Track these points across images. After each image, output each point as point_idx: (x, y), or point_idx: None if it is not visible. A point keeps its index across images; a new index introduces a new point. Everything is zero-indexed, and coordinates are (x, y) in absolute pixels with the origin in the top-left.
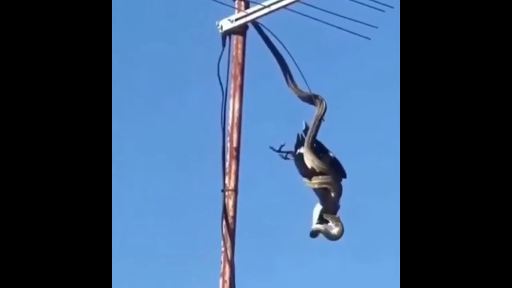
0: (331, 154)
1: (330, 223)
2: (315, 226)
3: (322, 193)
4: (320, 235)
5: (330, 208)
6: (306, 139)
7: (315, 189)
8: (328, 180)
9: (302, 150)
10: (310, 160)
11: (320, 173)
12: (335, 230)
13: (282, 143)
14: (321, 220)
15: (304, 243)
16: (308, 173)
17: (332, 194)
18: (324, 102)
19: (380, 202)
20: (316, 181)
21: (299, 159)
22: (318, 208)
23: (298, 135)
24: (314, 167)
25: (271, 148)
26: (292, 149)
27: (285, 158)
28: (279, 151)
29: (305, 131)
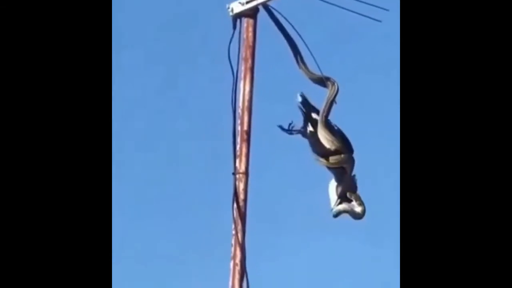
0: (338, 129)
1: (354, 202)
2: (340, 206)
3: (339, 172)
4: (343, 214)
5: (350, 186)
6: (320, 118)
7: (331, 168)
8: (346, 159)
9: (315, 129)
10: (326, 139)
11: (336, 152)
12: (359, 209)
13: (290, 122)
14: (342, 199)
15: (314, 225)
16: (326, 152)
17: (349, 172)
18: (336, 84)
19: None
20: (334, 161)
21: (313, 138)
22: (333, 186)
23: (303, 113)
24: (332, 146)
25: (280, 127)
26: (300, 127)
27: (291, 133)
28: (288, 130)
29: (303, 103)
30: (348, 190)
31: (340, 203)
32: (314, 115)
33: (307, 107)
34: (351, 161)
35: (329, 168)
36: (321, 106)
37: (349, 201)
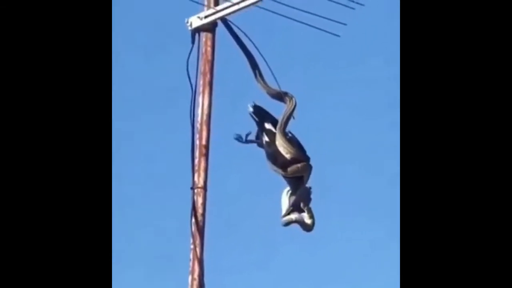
0: (293, 137)
1: (305, 213)
2: (292, 216)
3: (296, 181)
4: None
5: (305, 197)
6: (278, 128)
7: (288, 178)
8: (304, 167)
9: (271, 138)
10: (284, 148)
11: (294, 160)
12: (309, 221)
13: (248, 132)
14: (294, 208)
15: (274, 238)
16: (283, 162)
17: (305, 181)
18: (293, 99)
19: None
20: (291, 170)
21: (270, 148)
22: (287, 195)
23: (256, 122)
24: (289, 154)
25: (236, 139)
26: (255, 137)
27: (247, 143)
28: (244, 140)
29: (254, 113)
30: (302, 201)
31: (292, 211)
32: (268, 126)
33: (260, 117)
34: (309, 170)
35: (285, 177)
36: (278, 118)
37: (301, 211)
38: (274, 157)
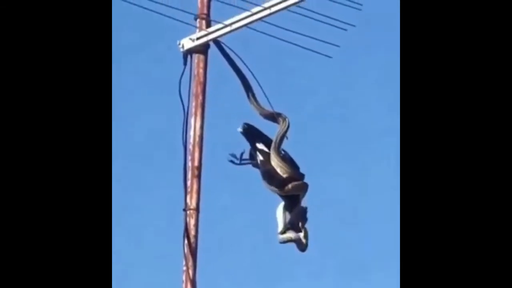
0: (287, 155)
1: (302, 233)
2: (289, 234)
3: (292, 200)
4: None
5: (302, 217)
6: (272, 146)
7: (284, 196)
8: (300, 186)
9: (265, 157)
10: (279, 167)
11: (290, 179)
12: (304, 241)
13: (242, 151)
14: (292, 226)
15: (267, 261)
16: (279, 181)
17: (301, 200)
18: (287, 120)
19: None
20: (288, 189)
21: (264, 167)
22: (282, 211)
23: (249, 142)
24: (284, 173)
25: (230, 161)
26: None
27: (242, 164)
28: (238, 162)
29: (245, 133)
30: (300, 220)
31: (288, 229)
32: (260, 146)
33: (252, 136)
34: (305, 188)
35: (281, 196)
36: (271, 138)
37: (298, 231)
38: (270, 176)
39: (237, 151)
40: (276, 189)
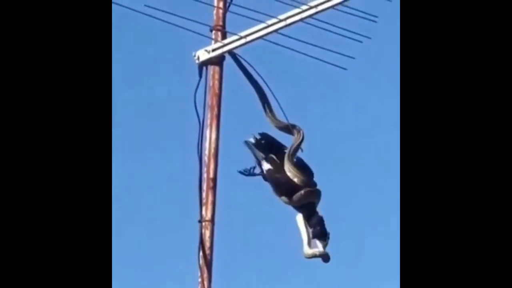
0: (300, 161)
1: (324, 244)
2: (314, 251)
3: (308, 208)
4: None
5: (323, 229)
6: (286, 157)
7: (298, 207)
8: (310, 193)
9: (274, 166)
10: (291, 172)
11: (301, 185)
12: (327, 253)
13: (254, 165)
14: (318, 238)
15: (282, 272)
16: (289, 189)
17: (317, 206)
18: (301, 132)
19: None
20: (298, 198)
21: (272, 176)
22: (303, 223)
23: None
24: (297, 178)
25: (240, 172)
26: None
27: (253, 175)
28: (248, 174)
29: (256, 144)
30: (322, 233)
31: (312, 243)
32: (271, 155)
33: (263, 148)
34: (318, 195)
35: (295, 206)
36: (284, 147)
37: (323, 241)
38: (279, 185)
39: (252, 162)
40: (286, 199)
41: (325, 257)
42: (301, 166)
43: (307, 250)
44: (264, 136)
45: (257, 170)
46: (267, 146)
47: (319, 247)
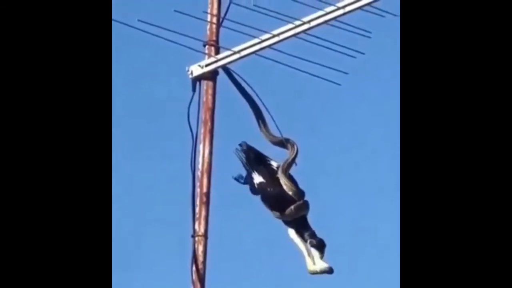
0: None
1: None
2: (315, 269)
3: (300, 223)
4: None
5: (320, 240)
6: (280, 170)
7: (290, 222)
8: (301, 206)
9: (266, 178)
10: (285, 185)
11: (293, 198)
12: (328, 265)
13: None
14: (319, 250)
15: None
16: (281, 203)
17: (308, 220)
18: (295, 146)
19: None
20: (290, 212)
21: (263, 188)
22: (299, 241)
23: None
24: (290, 190)
25: (235, 179)
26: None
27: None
28: (243, 182)
29: (245, 151)
30: (321, 245)
31: (312, 258)
32: (262, 167)
33: (252, 160)
34: (307, 206)
35: (286, 222)
36: (271, 160)
37: (322, 253)
38: (270, 199)
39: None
40: (278, 213)
41: (329, 271)
42: (292, 178)
43: (312, 267)
44: (251, 148)
45: (247, 181)
46: (255, 159)
47: (321, 262)
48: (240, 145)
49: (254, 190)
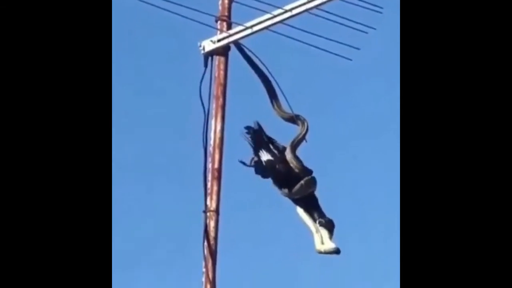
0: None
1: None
2: (325, 248)
3: (309, 201)
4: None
5: (329, 220)
6: (289, 147)
7: (298, 199)
8: (308, 182)
9: (274, 156)
10: (292, 163)
11: (299, 175)
12: (335, 246)
13: (252, 157)
14: (328, 228)
15: (286, 263)
16: (292, 180)
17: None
18: (306, 123)
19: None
20: (297, 189)
21: (271, 165)
22: (308, 220)
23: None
24: (299, 171)
25: (241, 162)
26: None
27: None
28: (249, 164)
29: (257, 131)
30: (331, 225)
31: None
32: (270, 146)
33: (259, 140)
34: (315, 182)
35: (295, 199)
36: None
37: (331, 232)
38: (278, 176)
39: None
40: (286, 190)
41: (337, 252)
42: (297, 157)
43: (320, 247)
44: (259, 128)
45: (254, 160)
46: (263, 138)
47: (329, 243)
48: (248, 127)
49: (262, 169)
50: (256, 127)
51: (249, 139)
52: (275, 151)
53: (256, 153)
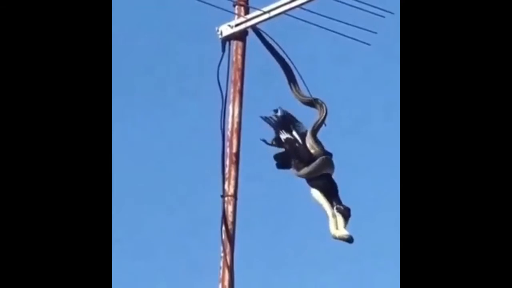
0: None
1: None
2: (341, 234)
3: (323, 183)
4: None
5: (347, 209)
6: (309, 131)
7: (313, 180)
8: (323, 162)
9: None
10: (310, 145)
11: (315, 156)
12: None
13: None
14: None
15: (304, 248)
16: (303, 159)
17: (332, 176)
18: (324, 107)
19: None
20: (310, 170)
21: (290, 145)
22: (325, 203)
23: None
24: (315, 152)
25: (263, 140)
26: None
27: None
28: (270, 143)
29: (284, 116)
30: (346, 211)
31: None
32: (291, 127)
33: (284, 123)
34: (332, 164)
35: (311, 180)
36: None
37: (347, 221)
38: (297, 154)
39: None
40: (303, 167)
41: (349, 240)
42: (318, 141)
43: (334, 231)
44: (283, 112)
45: (275, 139)
46: (286, 121)
47: (343, 230)
48: (275, 110)
49: (281, 157)
50: (284, 113)
51: (273, 119)
52: (296, 132)
53: (277, 133)
